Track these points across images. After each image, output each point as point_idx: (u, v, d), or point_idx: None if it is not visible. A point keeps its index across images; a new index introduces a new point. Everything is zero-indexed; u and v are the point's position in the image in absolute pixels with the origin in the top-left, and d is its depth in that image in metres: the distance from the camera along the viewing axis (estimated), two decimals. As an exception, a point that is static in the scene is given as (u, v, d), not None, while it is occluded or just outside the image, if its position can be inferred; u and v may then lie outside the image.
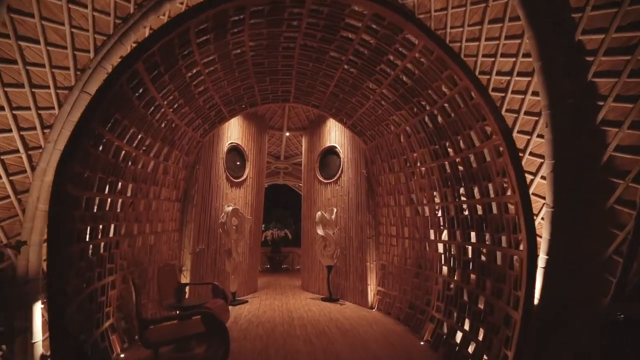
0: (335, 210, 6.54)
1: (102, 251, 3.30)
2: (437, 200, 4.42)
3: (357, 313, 5.38)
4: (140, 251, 4.26)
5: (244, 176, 7.10)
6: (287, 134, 8.74)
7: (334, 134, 7.29)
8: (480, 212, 3.51)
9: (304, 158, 8.30)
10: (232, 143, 6.88)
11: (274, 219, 13.95)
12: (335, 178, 7.03)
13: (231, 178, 6.73)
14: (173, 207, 5.19)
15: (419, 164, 4.68)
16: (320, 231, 6.44)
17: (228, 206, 6.08)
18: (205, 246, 5.75)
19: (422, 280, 4.67)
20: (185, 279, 5.23)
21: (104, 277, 3.32)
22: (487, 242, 3.35)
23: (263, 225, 13.29)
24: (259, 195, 7.60)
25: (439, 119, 3.93)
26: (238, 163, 7.12)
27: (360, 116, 5.66)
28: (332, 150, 7.31)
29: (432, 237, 4.57)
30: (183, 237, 5.37)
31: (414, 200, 4.98)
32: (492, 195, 3.27)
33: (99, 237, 3.29)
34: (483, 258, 3.40)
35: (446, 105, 3.67)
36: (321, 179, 7.40)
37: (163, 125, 4.28)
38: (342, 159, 6.96)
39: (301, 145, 9.49)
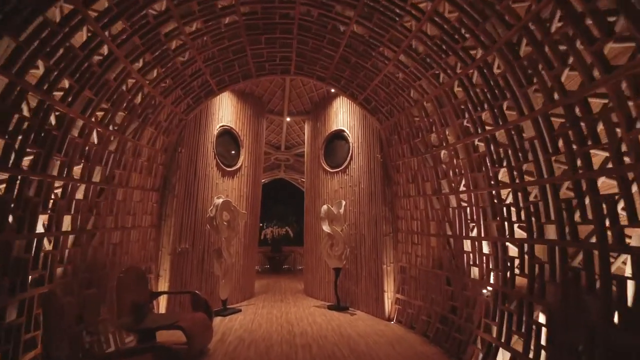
0: (343, 203, 5.58)
1: (24, 252, 2.35)
2: (480, 184, 3.44)
3: (372, 327, 4.42)
4: (97, 252, 3.32)
5: (238, 165, 6.15)
6: (288, 119, 7.79)
7: (342, 117, 6.32)
8: (549, 196, 2.52)
9: (307, 146, 7.33)
10: (224, 126, 5.93)
11: (274, 217, 13.05)
12: (344, 166, 6.06)
13: (222, 166, 5.78)
14: (148, 197, 4.25)
15: (453, 141, 3.70)
16: (326, 228, 5.48)
17: (218, 198, 5.13)
18: (189, 245, 4.80)
19: (458, 288, 3.70)
20: (162, 286, 4.29)
21: (25, 289, 2.36)
22: (569, 238, 2.36)
23: (263, 224, 12.43)
24: (256, 187, 6.65)
25: (480, 76, 2.95)
26: (231, 150, 6.16)
27: (375, 88, 4.69)
28: (339, 135, 6.35)
29: (473, 233, 3.60)
30: (161, 235, 4.43)
31: (444, 187, 4.01)
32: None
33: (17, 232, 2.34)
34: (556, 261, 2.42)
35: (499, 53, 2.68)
36: (327, 167, 6.44)
37: (124, 88, 3.33)
38: (351, 144, 5.99)
39: (303, 134, 8.54)
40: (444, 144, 3.85)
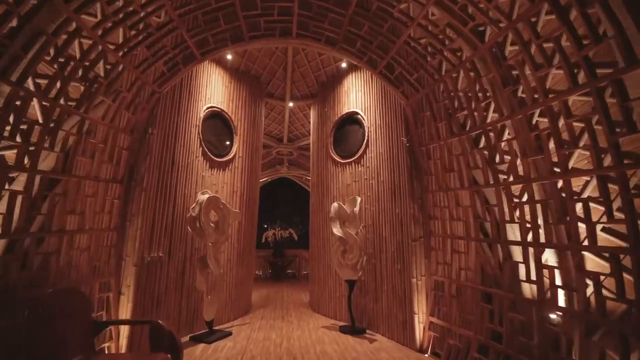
0: (358, 199, 4.50)
1: None
2: (541, 172, 2.36)
3: (401, 361, 3.35)
4: (10, 267, 2.30)
5: (231, 154, 5.12)
6: (291, 104, 6.75)
7: (354, 97, 5.26)
8: None
9: (313, 134, 6.28)
10: (213, 108, 4.91)
11: (278, 218, 12.06)
12: (357, 155, 5.00)
13: (211, 155, 4.75)
14: (106, 190, 3.23)
15: (507, 116, 2.63)
16: (337, 230, 4.42)
17: (203, 194, 4.10)
18: (163, 253, 3.77)
19: (528, 315, 2.61)
20: (123, 309, 3.26)
21: None
22: None
23: (268, 225, 11.41)
24: (253, 182, 5.61)
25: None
26: (222, 137, 5.14)
27: (401, 50, 3.63)
28: (351, 119, 5.29)
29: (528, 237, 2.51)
30: (125, 240, 3.40)
31: (499, 177, 2.93)
32: None
33: None
34: None
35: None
36: (337, 158, 5.37)
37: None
38: (366, 129, 4.93)
39: (308, 123, 7.49)
40: (494, 121, 2.77)
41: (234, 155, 5.20)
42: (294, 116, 7.47)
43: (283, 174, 12.89)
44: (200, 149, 4.58)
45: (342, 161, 5.25)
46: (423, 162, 3.91)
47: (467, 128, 3.23)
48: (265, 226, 11.11)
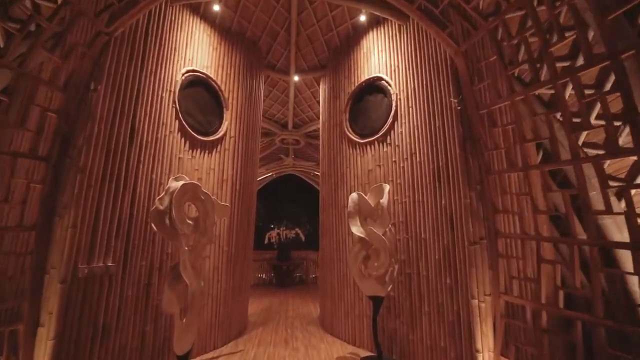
0: (387, 188, 3.32)
1: None
2: None
3: None
4: None
5: (219, 133, 4.01)
6: (297, 78, 5.61)
7: (377, 59, 4.10)
8: None
9: (323, 113, 5.13)
10: (195, 72, 3.81)
11: (284, 218, 10.98)
12: (382, 132, 3.83)
13: (192, 132, 3.65)
14: (21, 171, 2.15)
15: None
16: (357, 229, 3.24)
17: (177, 180, 2.98)
18: (113, 262, 2.67)
19: None
20: (42, 348, 2.16)
21: None
22: None
23: (274, 225, 10.31)
24: (249, 170, 4.49)
25: None
26: (207, 109, 4.03)
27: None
28: (373, 86, 4.13)
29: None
30: (49, 244, 2.31)
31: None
32: None
33: None
34: None
35: None
36: (354, 137, 4.22)
37: None
38: (393, 97, 3.76)
39: (317, 104, 6.36)
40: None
41: (224, 135, 4.09)
42: (300, 95, 6.32)
43: (289, 169, 11.87)
44: (177, 122, 3.47)
45: (362, 141, 4.09)
46: (483, 131, 2.72)
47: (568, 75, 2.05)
48: (272, 226, 10.03)
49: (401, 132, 3.60)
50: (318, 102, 6.32)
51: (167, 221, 2.84)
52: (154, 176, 3.08)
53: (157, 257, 3.05)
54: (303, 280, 9.06)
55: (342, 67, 4.68)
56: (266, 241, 8.85)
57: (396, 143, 3.64)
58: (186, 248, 2.97)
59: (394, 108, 3.74)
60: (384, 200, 3.26)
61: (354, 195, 3.40)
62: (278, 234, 8.62)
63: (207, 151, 3.85)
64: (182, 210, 2.94)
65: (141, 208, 2.91)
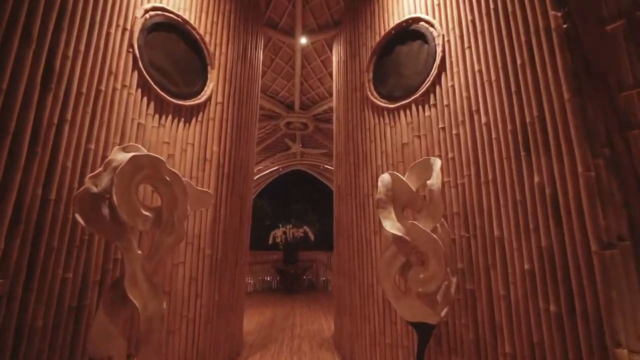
0: (438, 163, 2.22)
1: None
2: None
3: None
4: None
5: (201, 97, 3.00)
6: (304, 40, 4.55)
7: (411, -6, 3.03)
8: None
9: (338, 79, 4.07)
10: (165, 12, 2.80)
11: (291, 216, 10.01)
12: (422, 90, 2.75)
13: (159, 91, 2.63)
14: None
15: None
16: (391, 225, 2.15)
17: (125, 151, 1.96)
18: (2, 278, 1.67)
19: None
20: None
21: None
22: None
23: (280, 224, 9.26)
24: (242, 147, 3.46)
25: None
26: (184, 64, 3.01)
27: None
28: (408, 32, 3.04)
29: None
30: None
31: None
32: None
33: None
34: None
35: None
36: (381, 102, 3.14)
37: None
38: (438, 41, 2.68)
39: (329, 76, 5.30)
40: None
41: (208, 100, 3.07)
42: (308, 66, 5.26)
43: (296, 162, 10.88)
44: (136, 75, 2.46)
45: (392, 106, 3.01)
46: (613, 59, 1.62)
47: None
48: (280, 225, 9.10)
49: (452, 86, 2.51)
50: (330, 75, 5.26)
51: (106, 211, 1.83)
52: (91, 146, 2.06)
53: (95, 265, 2.04)
54: (312, 284, 8.04)
55: (363, 15, 3.61)
56: (271, 241, 7.85)
57: (444, 102, 2.55)
58: (139, 252, 1.96)
59: (439, 55, 2.65)
60: (434, 181, 2.17)
61: (385, 177, 2.31)
62: (284, 232, 7.60)
63: (183, 119, 2.83)
64: (132, 196, 1.93)
65: (65, 192, 1.90)
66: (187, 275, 2.64)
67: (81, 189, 1.73)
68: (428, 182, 2.23)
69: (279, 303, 6.04)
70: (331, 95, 5.79)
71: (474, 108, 2.30)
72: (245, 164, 3.46)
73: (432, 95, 2.69)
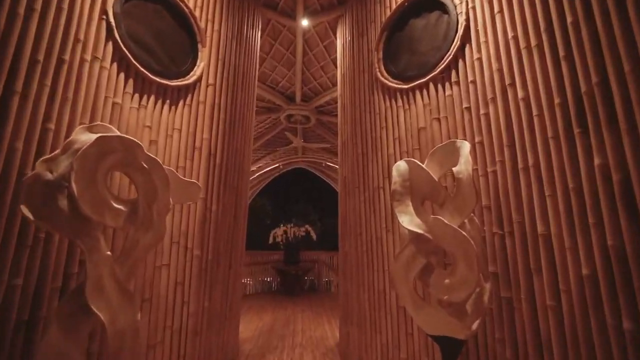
0: (466, 147, 1.86)
1: None
2: None
3: None
4: None
5: (190, 78, 2.65)
6: (305, 23, 4.20)
7: (428, -40, 2.66)
8: None
9: (343, 61, 3.70)
10: (149, -20, 2.45)
11: (292, 216, 9.69)
12: (442, 66, 2.39)
13: (140, 68, 2.28)
14: None
15: None
16: (409, 221, 1.79)
17: (90, 131, 1.62)
18: None
19: None
20: None
21: None
22: None
23: (282, 224, 8.90)
24: (237, 137, 3.10)
25: None
26: (170, 40, 2.65)
27: None
28: (423, 3, 2.67)
29: None
30: None
31: None
32: None
33: None
34: None
35: None
36: (393, 83, 2.78)
37: None
38: (460, 9, 2.32)
39: (333, 64, 4.95)
40: None
41: (198, 81, 2.71)
42: (310, 53, 4.90)
43: (298, 160, 10.53)
44: (111, 47, 2.11)
45: (406, 86, 2.65)
46: None
47: None
48: (281, 225, 8.75)
49: (478, 59, 2.15)
50: (333, 62, 4.90)
51: (64, 202, 1.48)
52: (50, 126, 1.71)
53: (55, 268, 1.69)
54: (314, 285, 7.69)
55: (371, -10, 3.25)
56: (271, 240, 7.50)
57: (469, 78, 2.19)
58: (108, 253, 1.63)
59: (461, 25, 2.29)
60: (462, 168, 1.80)
61: (401, 164, 1.95)
62: (285, 231, 7.25)
63: (168, 101, 2.48)
64: (99, 185, 1.58)
65: (13, 178, 1.55)
66: (171, 280, 2.28)
67: (30, 174, 1.38)
68: (454, 169, 1.87)
69: (279, 306, 5.69)
70: (334, 85, 5.44)
71: (507, 82, 1.93)
72: (240, 154, 3.11)
73: (453, 72, 2.32)
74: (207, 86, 2.78)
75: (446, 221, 1.75)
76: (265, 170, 10.63)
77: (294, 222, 8.14)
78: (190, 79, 2.66)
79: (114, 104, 2.09)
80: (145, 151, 1.75)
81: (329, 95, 5.60)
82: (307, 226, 7.48)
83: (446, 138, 2.29)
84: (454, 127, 2.27)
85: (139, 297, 2.04)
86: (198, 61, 2.78)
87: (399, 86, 2.70)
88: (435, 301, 1.89)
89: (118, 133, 1.77)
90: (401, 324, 2.39)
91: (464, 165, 1.83)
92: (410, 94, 2.62)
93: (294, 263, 7.13)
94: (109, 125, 1.77)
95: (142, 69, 2.29)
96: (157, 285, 2.20)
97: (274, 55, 4.92)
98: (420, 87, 2.55)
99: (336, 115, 6.09)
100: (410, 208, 1.94)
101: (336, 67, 4.74)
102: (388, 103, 2.81)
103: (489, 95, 2.03)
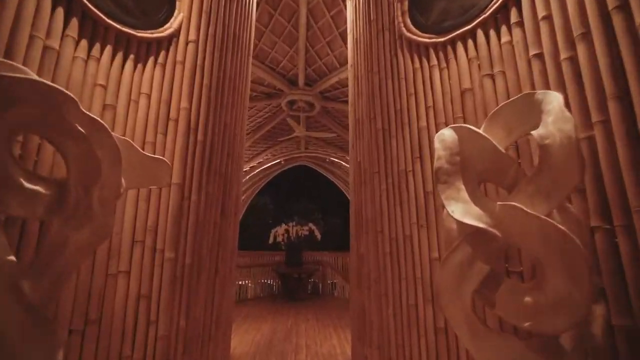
0: (558, 99, 1.20)
1: None
2: None
3: None
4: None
5: (165, 30, 2.05)
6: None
7: None
8: None
9: (355, 24, 3.07)
10: None
11: (294, 215, 9.10)
12: (494, 6, 1.78)
13: (90, 5, 1.70)
14: None
15: None
16: (462, 211, 1.18)
17: None
18: None
19: None
20: None
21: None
22: None
23: (284, 222, 8.31)
24: (229, 109, 2.50)
25: None
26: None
27: None
28: None
29: None
30: None
31: None
32: None
33: None
34: None
35: None
36: (423, 37, 2.16)
37: None
38: None
39: (340, 38, 4.35)
40: None
41: (174, 35, 2.11)
42: (315, 26, 4.30)
43: (300, 154, 9.94)
44: (45, -29, 1.52)
45: (441, 39, 2.04)
46: None
47: None
48: (283, 223, 8.15)
49: (556, -13, 1.53)
50: (342, 36, 4.30)
51: None
52: None
53: None
54: (317, 288, 7.09)
55: None
56: (271, 240, 6.90)
57: (542, 13, 1.57)
58: (10, 258, 1.03)
59: (526, -54, 1.68)
60: (552, 130, 1.17)
61: (446, 134, 1.34)
62: (287, 230, 6.64)
63: (133, 56, 1.89)
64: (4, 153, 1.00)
65: None
66: (132, 292, 1.69)
67: None
68: (535, 133, 1.25)
69: (279, 313, 5.09)
70: (342, 65, 4.84)
71: (611, 4, 1.32)
72: (230, 132, 2.51)
73: (513, 10, 1.71)
74: (186, 43, 2.18)
75: (527, 209, 1.14)
76: (266, 165, 10.05)
77: (296, 220, 7.55)
78: (165, 32, 2.07)
79: (46, 47, 1.50)
80: (83, 109, 1.17)
81: (336, 77, 4.99)
82: (310, 224, 6.87)
83: (505, 99, 1.67)
84: (516, 83, 1.66)
85: (65, 325, 1.44)
86: (175, 12, 2.18)
87: (432, 40, 2.09)
88: (508, 329, 1.29)
89: (35, 77, 1.17)
90: (442, 351, 1.78)
91: (554, 125, 1.21)
92: (449, 48, 2.00)
93: (297, 265, 6.52)
94: (21, 67, 1.17)
95: (91, 7, 1.70)
96: (109, 300, 1.60)
97: (274, 29, 4.32)
98: (463, 38, 1.93)
99: (342, 102, 5.48)
100: (464, 193, 1.34)
101: (344, 43, 4.14)
102: (417, 64, 2.20)
103: (577, 31, 1.42)
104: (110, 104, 1.75)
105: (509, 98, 1.68)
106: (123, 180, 1.34)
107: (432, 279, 1.88)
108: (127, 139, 1.44)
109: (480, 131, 1.34)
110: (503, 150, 1.31)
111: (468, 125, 1.36)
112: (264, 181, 11.55)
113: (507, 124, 1.37)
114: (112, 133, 1.24)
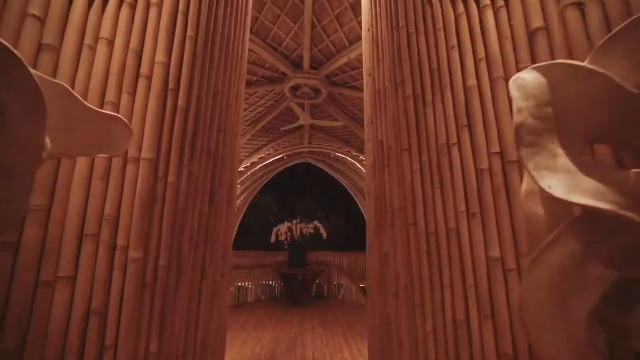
0: None
1: None
2: None
3: None
4: None
5: (133, -39, 1.57)
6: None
7: None
8: None
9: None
10: None
11: (297, 214, 8.63)
12: None
13: None
14: None
15: None
16: (565, 187, 0.72)
17: None
18: None
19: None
20: None
21: None
22: None
23: (287, 220, 7.81)
24: (222, 66, 2.01)
25: None
26: None
27: None
28: None
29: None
30: None
31: None
32: None
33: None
34: None
35: None
36: (471, -29, 1.68)
37: None
38: None
39: (351, 9, 3.86)
40: None
41: (147, -29, 1.63)
42: (323, 13, 3.80)
43: (303, 149, 9.48)
44: None
45: (498, -30, 1.55)
46: None
47: None
48: (285, 221, 7.67)
49: None
50: (352, 6, 3.80)
51: None
52: None
53: None
54: (321, 290, 6.60)
55: None
56: (273, 239, 6.41)
57: None
58: None
59: None
60: None
61: (528, 78, 0.82)
62: (289, 228, 6.15)
63: (86, -12, 1.40)
64: None
65: None
66: (78, 306, 1.20)
67: None
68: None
69: (282, 319, 4.60)
70: (351, 43, 4.35)
71: None
72: (223, 99, 2.02)
73: None
74: (165, -17, 1.70)
75: None
76: (268, 161, 9.57)
77: (299, 218, 7.07)
78: (135, -36, 1.58)
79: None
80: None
81: (345, 57, 4.50)
82: (315, 222, 6.38)
83: (603, 36, 1.18)
84: (621, 9, 1.16)
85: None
86: (150, -58, 1.69)
87: (483, -25, 1.60)
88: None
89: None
90: (511, 388, 1.28)
91: None
92: (508, -19, 1.51)
93: (301, 265, 6.03)
94: None
95: None
96: (40, 320, 1.11)
97: (276, 1, 3.83)
98: (531, -37, 1.44)
99: (350, 87, 5.01)
100: (564, 159, 0.80)
101: (355, 14, 3.66)
102: (461, 8, 1.70)
103: None
104: (51, 44, 1.26)
105: (601, 38, 1.18)
106: (48, 140, 0.86)
107: (491, 287, 1.39)
108: (61, 83, 0.95)
109: (590, 65, 0.84)
110: (634, 90, 0.82)
111: (564, 60, 0.86)
112: (265, 178, 11.07)
113: (633, 51, 0.87)
114: (34, 71, 0.76)
